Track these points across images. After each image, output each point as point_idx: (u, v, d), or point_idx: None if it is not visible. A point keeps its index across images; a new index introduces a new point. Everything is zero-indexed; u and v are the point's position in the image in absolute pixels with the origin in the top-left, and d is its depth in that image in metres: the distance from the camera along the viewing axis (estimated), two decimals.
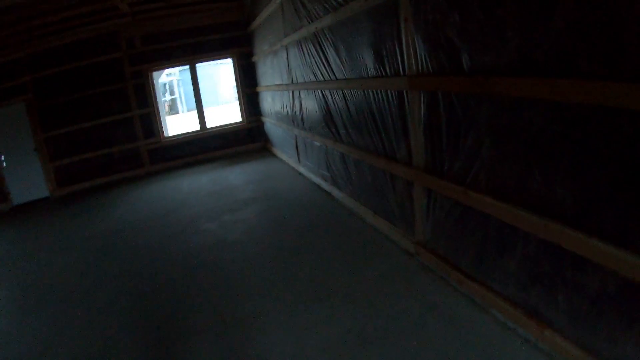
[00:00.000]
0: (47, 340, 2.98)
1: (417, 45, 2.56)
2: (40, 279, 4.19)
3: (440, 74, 2.39)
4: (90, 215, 6.24)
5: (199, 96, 8.68)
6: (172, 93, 26.53)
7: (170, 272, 3.74)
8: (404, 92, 2.80)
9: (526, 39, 1.78)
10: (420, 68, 2.58)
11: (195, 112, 8.78)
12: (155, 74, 8.58)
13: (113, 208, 6.39)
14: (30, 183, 8.05)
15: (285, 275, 3.33)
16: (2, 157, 7.84)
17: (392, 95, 3.00)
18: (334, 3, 3.58)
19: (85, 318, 3.20)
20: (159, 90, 9.84)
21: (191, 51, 8.03)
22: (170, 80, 25.70)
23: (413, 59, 2.63)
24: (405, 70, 2.74)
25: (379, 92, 3.20)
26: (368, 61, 3.27)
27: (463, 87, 2.20)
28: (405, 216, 3.20)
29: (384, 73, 3.06)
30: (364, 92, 3.46)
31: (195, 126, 8.82)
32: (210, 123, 9.21)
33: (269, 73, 6.78)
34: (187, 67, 8.89)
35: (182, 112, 25.94)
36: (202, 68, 21.70)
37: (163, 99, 29.43)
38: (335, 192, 4.65)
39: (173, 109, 26.17)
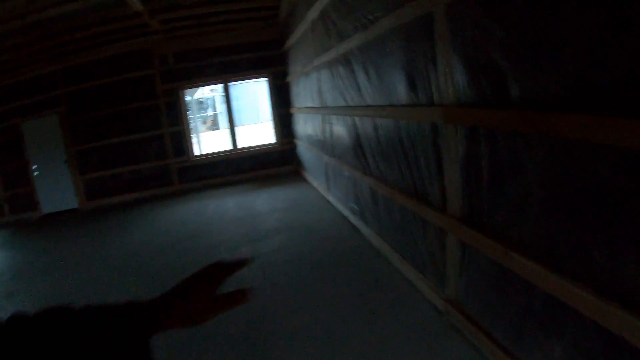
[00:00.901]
0: None
1: (454, 69, 2.12)
2: (48, 296, 4.19)
3: (482, 106, 1.93)
4: (111, 234, 6.16)
5: (232, 116, 8.51)
6: (214, 109, 26.94)
7: None
8: (439, 125, 2.35)
9: (593, 62, 1.31)
10: (457, 97, 2.13)
11: (236, 129, 8.60)
12: (194, 89, 8.55)
13: (135, 228, 6.28)
14: (60, 194, 8.16)
15: (297, 323, 2.94)
16: (35, 166, 7.98)
17: (425, 127, 2.55)
18: (364, 21, 3.19)
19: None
20: (191, 108, 9.74)
21: (224, 70, 7.89)
22: (213, 95, 26.11)
23: (449, 86, 2.19)
24: (440, 99, 2.30)
25: (410, 122, 2.77)
26: (399, 86, 2.84)
27: (509, 124, 1.73)
28: (436, 267, 2.72)
29: (416, 101, 2.62)
30: (394, 121, 3.03)
31: (228, 146, 8.61)
32: (244, 142, 9.03)
33: (302, 95, 6.47)
34: (238, 83, 8.83)
35: (220, 128, 26.22)
36: (244, 85, 21.91)
37: (204, 115, 30.12)
38: (363, 228, 4.21)
39: (214, 125, 26.53)
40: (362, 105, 3.65)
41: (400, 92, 2.83)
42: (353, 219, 4.54)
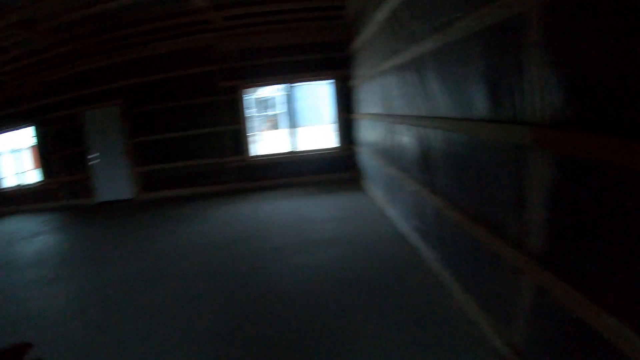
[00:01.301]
0: None
1: (547, 82, 1.74)
2: (85, 287, 4.39)
3: (586, 128, 1.55)
4: (161, 228, 6.27)
5: (293, 117, 8.37)
6: (276, 108, 27.23)
7: (210, 321, 3.24)
8: (524, 147, 1.97)
9: None
10: (549, 116, 1.75)
11: (297, 131, 8.49)
12: (256, 88, 8.62)
13: (184, 225, 6.29)
14: (116, 183, 8.52)
15: (339, 350, 2.68)
16: (93, 155, 8.35)
17: (505, 147, 2.18)
18: (438, 23, 2.84)
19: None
20: (253, 107, 9.87)
21: (287, 70, 7.77)
22: (276, 95, 26.37)
23: (540, 101, 1.81)
24: (527, 117, 1.92)
25: (488, 140, 2.39)
26: (477, 98, 2.47)
27: (625, 157, 1.34)
28: (503, 307, 2.33)
29: (496, 116, 2.25)
30: (468, 136, 2.66)
31: (287, 147, 8.48)
32: (305, 145, 8.89)
33: (367, 100, 6.16)
34: (303, 84, 8.82)
35: (284, 128, 26.40)
36: (308, 86, 21.89)
37: (266, 114, 30.49)
38: (424, 250, 3.84)
39: (276, 125, 26.81)
40: (432, 115, 3.30)
41: (478, 104, 2.46)
42: (413, 238, 4.18)
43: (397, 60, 3.98)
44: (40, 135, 8.99)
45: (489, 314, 2.54)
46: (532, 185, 1.92)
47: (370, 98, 5.85)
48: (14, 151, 9.95)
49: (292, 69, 7.79)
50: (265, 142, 19.35)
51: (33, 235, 6.91)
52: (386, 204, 5.43)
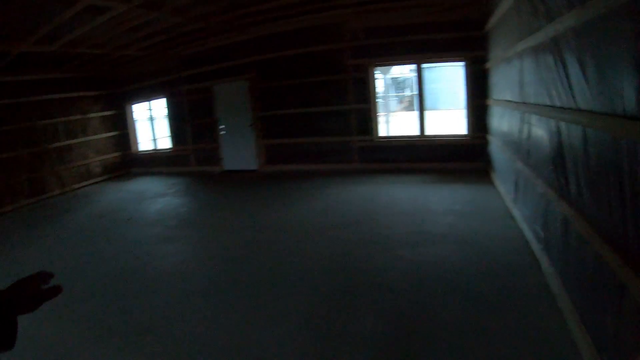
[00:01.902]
0: None
1: None
2: (196, 249, 5.03)
3: None
4: (277, 201, 6.54)
5: (422, 99, 7.93)
6: (411, 89, 26.40)
7: (300, 307, 3.18)
8: None
9: None
10: None
11: (428, 114, 8.12)
12: (389, 67, 8.50)
13: (301, 200, 6.50)
14: (242, 154, 9.10)
15: None
16: (222, 126, 8.99)
17: None
18: None
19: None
20: (387, 87, 9.77)
21: (417, 49, 7.36)
22: (412, 76, 25.51)
23: None
24: None
25: (636, 144, 1.88)
26: (626, 88, 1.94)
27: None
28: (621, 352, 1.85)
29: None
30: (613, 138, 2.14)
31: (415, 130, 8.09)
32: (435, 129, 8.46)
33: (500, 84, 5.51)
34: (443, 65, 8.54)
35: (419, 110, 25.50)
36: (444, 67, 20.78)
37: (401, 95, 29.72)
38: (544, 263, 3.31)
39: (410, 106, 26.09)
40: (571, 107, 2.75)
41: (628, 97, 1.93)
42: (536, 246, 3.63)
43: (532, 40, 3.41)
44: (173, 105, 9.98)
45: (602, 358, 2.06)
46: None
47: (504, 83, 5.21)
48: (150, 119, 11.13)
49: (422, 48, 7.34)
50: (397, 123, 18.94)
51: (159, 196, 7.75)
52: (512, 203, 4.84)
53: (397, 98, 31.07)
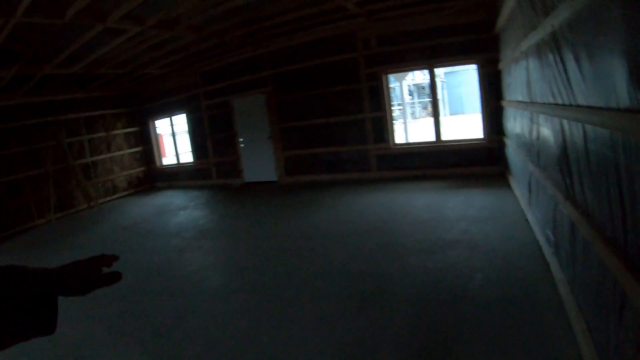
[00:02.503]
0: None
1: None
2: (212, 258, 5.06)
3: None
4: (295, 211, 6.58)
5: (436, 104, 7.82)
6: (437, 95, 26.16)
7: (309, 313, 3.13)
8: None
9: None
10: None
11: (453, 118, 8.01)
12: (404, 73, 8.44)
13: (318, 210, 6.52)
14: (261, 166, 9.17)
15: None
16: (241, 139, 9.11)
17: None
18: None
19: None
20: (411, 93, 9.74)
21: (429, 54, 7.26)
22: (440, 81, 25.31)
23: None
24: None
25: (631, 138, 1.76)
26: (618, 80, 1.83)
27: None
28: None
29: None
30: (610, 132, 2.01)
31: (433, 136, 7.96)
32: (452, 134, 8.31)
33: (512, 85, 5.36)
34: (465, 68, 8.43)
35: (444, 115, 25.16)
36: (471, 70, 20.47)
37: (424, 101, 29.42)
38: (554, 268, 3.16)
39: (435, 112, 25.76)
40: (571, 104, 2.62)
41: (620, 89, 1.82)
42: (547, 250, 3.48)
43: (534, 37, 3.30)
44: (194, 120, 10.18)
45: None
46: None
47: (515, 83, 5.06)
48: (172, 134, 11.34)
49: (434, 53, 7.25)
50: (420, 129, 18.73)
51: (180, 209, 7.88)
52: (527, 206, 4.68)
53: (420, 104, 30.82)
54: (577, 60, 2.37)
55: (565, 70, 2.62)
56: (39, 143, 8.71)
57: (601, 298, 2.10)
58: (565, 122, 2.81)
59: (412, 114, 29.23)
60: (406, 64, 7.61)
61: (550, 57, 2.95)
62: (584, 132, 2.39)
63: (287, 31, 7.52)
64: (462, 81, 26.85)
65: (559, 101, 2.87)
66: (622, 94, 1.80)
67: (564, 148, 2.89)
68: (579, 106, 2.42)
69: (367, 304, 3.30)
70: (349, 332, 2.93)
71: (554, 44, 2.81)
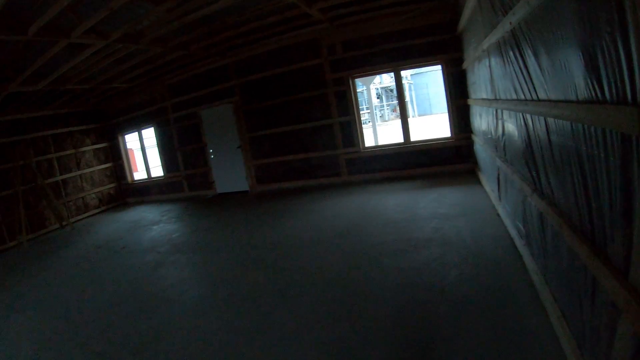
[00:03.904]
0: None
1: None
2: (187, 272, 4.95)
3: None
4: (265, 221, 6.54)
5: (404, 106, 8.00)
6: (403, 97, 26.54)
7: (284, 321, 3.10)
8: (633, 137, 1.42)
9: None
10: None
11: (426, 117, 8.15)
12: (372, 77, 8.51)
13: (290, 217, 6.50)
14: (233, 176, 9.13)
15: None
16: (211, 150, 9.02)
17: (610, 137, 1.61)
18: None
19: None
20: (370, 97, 9.87)
21: (394, 57, 7.36)
22: (404, 83, 25.68)
23: None
24: (637, 96, 1.36)
25: (591, 128, 1.82)
26: (576, 73, 1.90)
27: None
28: (597, 349, 1.78)
29: (598, 95, 1.68)
30: (570, 123, 2.08)
31: (401, 138, 8.05)
32: (421, 135, 8.41)
33: (477, 83, 5.48)
34: (431, 69, 8.57)
35: (412, 116, 25.54)
36: (437, 71, 20.86)
37: (392, 103, 29.78)
38: (527, 258, 3.24)
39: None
40: (532, 98, 2.70)
41: (578, 82, 1.89)
42: (518, 242, 3.56)
43: (496, 35, 3.39)
44: (163, 133, 10.02)
45: (581, 352, 1.99)
46: None
47: (479, 81, 5.18)
48: (141, 148, 11.12)
49: (399, 55, 7.36)
50: (390, 131, 18.94)
51: (152, 224, 7.73)
52: (497, 200, 4.78)
53: (389, 107, 31.18)
54: (536, 55, 2.45)
55: (526, 66, 2.70)
56: (6, 163, 8.39)
57: (573, 285, 2.16)
58: (528, 116, 2.89)
59: (382, 116, 29.58)
60: (372, 67, 7.69)
61: (511, 53, 3.04)
62: (546, 125, 2.46)
63: (251, 40, 7.50)
64: (428, 82, 27.35)
65: (521, 96, 2.95)
66: (580, 86, 1.87)
67: (528, 142, 2.97)
68: (540, 100, 2.50)
69: (345, 309, 3.29)
70: (328, 338, 2.91)
71: (513, 40, 2.89)
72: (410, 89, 26.79)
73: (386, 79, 28.99)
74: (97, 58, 6.20)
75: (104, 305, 4.30)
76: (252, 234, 5.93)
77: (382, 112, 30.17)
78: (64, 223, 9.13)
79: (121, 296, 4.45)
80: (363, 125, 8.27)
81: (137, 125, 10.55)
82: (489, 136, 4.92)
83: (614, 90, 1.53)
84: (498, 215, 4.63)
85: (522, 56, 2.76)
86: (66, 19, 4.54)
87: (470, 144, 7.13)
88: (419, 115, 26.38)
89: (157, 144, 10.39)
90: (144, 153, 11.04)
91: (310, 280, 3.96)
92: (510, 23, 2.78)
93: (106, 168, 10.93)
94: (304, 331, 3.05)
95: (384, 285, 3.56)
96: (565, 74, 2.02)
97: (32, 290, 5.20)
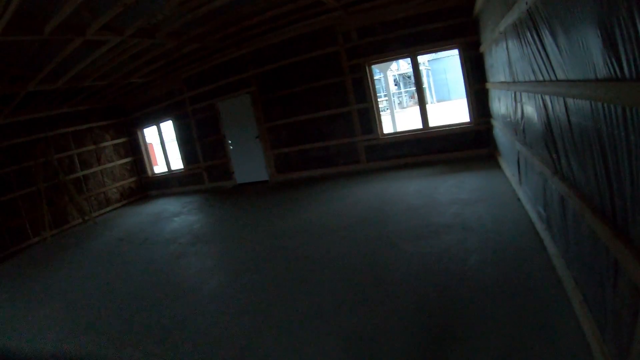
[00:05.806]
0: None
1: None
2: (210, 262, 5.01)
3: None
4: (289, 209, 6.60)
5: (421, 91, 7.88)
6: (423, 83, 26.24)
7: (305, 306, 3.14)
8: None
9: None
10: None
11: (446, 103, 8.06)
12: (388, 63, 8.44)
13: (310, 205, 6.55)
14: (252, 166, 9.16)
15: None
16: (230, 141, 9.08)
17: (630, 115, 1.57)
18: None
19: None
20: (388, 84, 9.79)
21: (411, 42, 7.28)
22: (422, 70, 25.38)
23: None
24: None
25: (610, 106, 1.78)
26: (594, 51, 1.85)
27: None
28: (619, 333, 1.76)
29: (617, 73, 1.64)
30: (590, 103, 2.03)
31: (420, 124, 7.97)
32: (439, 120, 8.32)
33: (494, 67, 5.38)
34: (448, 54, 8.47)
35: (431, 102, 25.22)
36: (453, 57, 20.53)
37: (411, 90, 29.42)
38: (548, 242, 3.19)
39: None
40: (551, 79, 2.64)
41: (597, 60, 1.84)
42: (539, 226, 3.51)
43: (511, 16, 3.31)
44: (181, 126, 10.13)
45: (602, 336, 1.96)
46: None
47: (497, 64, 5.08)
48: (161, 142, 11.24)
49: (415, 40, 7.26)
50: (407, 118, 18.77)
51: (174, 215, 7.86)
52: (517, 185, 4.71)
53: (407, 93, 30.86)
54: (553, 35, 2.39)
55: (543, 47, 2.64)
56: (28, 161, 8.62)
57: (595, 268, 2.12)
58: (547, 97, 2.83)
59: (400, 103, 29.32)
60: (388, 53, 7.62)
61: (528, 34, 2.97)
62: (566, 106, 2.41)
63: (266, 30, 7.49)
64: (446, 67, 26.91)
65: (540, 78, 2.89)
66: (598, 65, 1.82)
67: (547, 123, 2.91)
68: (558, 80, 2.44)
69: (366, 295, 3.32)
70: (350, 324, 2.94)
71: (530, 21, 2.83)
72: (427, 75, 26.43)
73: (403, 66, 28.67)
74: (114, 54, 6.28)
75: (127, 295, 4.42)
76: (273, 222, 5.99)
77: (400, 99, 29.90)
78: (86, 218, 9.35)
79: (144, 287, 4.57)
80: (381, 113, 8.19)
81: (155, 119, 10.70)
82: (508, 120, 4.84)
83: (632, 67, 1.49)
84: (518, 199, 4.56)
85: (539, 36, 2.70)
86: (81, 16, 4.61)
87: (489, 129, 7.02)
88: (437, 101, 26.03)
89: (176, 137, 10.52)
90: (163, 147, 11.19)
91: (331, 267, 4.00)
92: (526, 3, 2.72)
93: (126, 162, 11.12)
94: (325, 318, 3.09)
95: (405, 271, 3.57)
96: (583, 53, 1.97)
97: (57, 283, 5.38)
